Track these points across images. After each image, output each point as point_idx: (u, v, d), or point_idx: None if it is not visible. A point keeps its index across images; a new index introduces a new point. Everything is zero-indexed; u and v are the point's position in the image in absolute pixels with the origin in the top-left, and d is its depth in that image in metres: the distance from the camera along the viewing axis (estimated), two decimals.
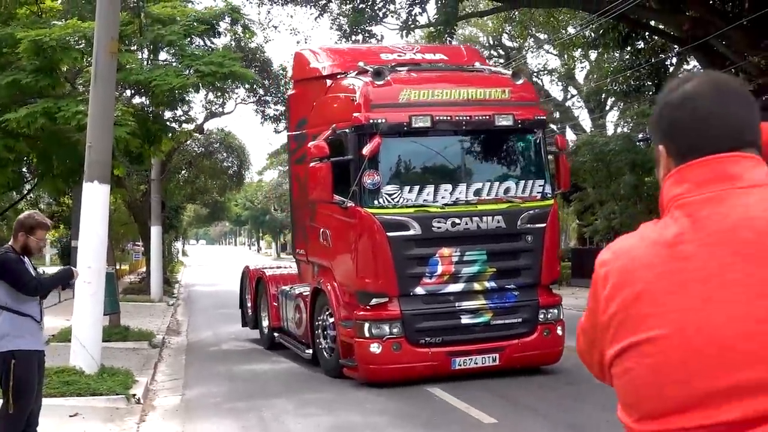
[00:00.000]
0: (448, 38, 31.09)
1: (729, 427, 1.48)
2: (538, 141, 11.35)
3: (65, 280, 6.93)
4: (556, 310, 11.28)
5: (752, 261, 1.54)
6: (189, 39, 14.93)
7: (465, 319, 10.62)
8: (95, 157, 10.70)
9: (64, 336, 12.86)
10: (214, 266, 57.49)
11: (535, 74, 37.96)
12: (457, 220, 10.55)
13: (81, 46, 13.47)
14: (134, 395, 9.89)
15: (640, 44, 26.35)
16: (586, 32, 25.61)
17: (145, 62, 14.98)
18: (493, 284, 10.83)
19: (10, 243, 6.64)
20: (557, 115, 38.52)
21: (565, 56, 36.45)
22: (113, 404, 9.42)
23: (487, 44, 39.47)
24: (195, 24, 14.91)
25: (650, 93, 25.20)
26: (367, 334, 10.11)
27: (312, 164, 10.81)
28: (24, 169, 19.50)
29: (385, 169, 10.59)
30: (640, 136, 25.89)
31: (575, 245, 38.26)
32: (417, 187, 10.63)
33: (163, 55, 15.52)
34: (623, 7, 19.49)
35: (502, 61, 36.80)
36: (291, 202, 14.68)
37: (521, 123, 11.04)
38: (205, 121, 29.34)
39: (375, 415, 9.18)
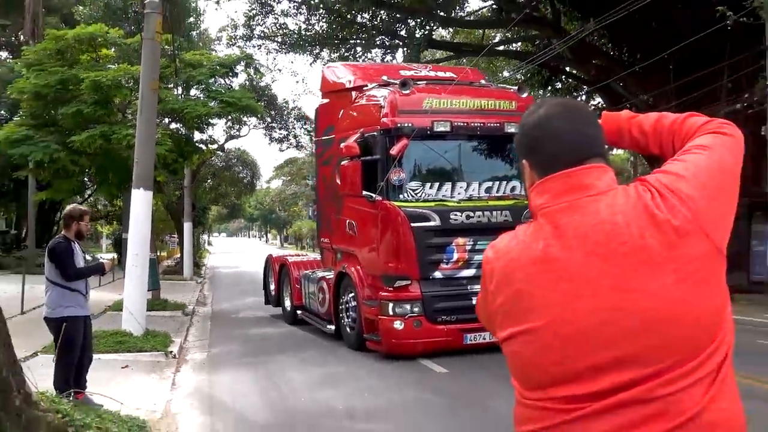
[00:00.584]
0: None
1: (595, 395, 1.44)
2: None
3: (98, 272, 6.83)
4: None
5: (604, 260, 1.46)
6: (213, 79, 14.93)
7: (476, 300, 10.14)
8: (140, 171, 10.67)
9: (117, 307, 12.76)
10: (232, 254, 57.19)
11: None
12: (471, 214, 9.79)
13: (130, 85, 13.43)
14: (171, 352, 9.86)
15: (558, 85, 26.65)
16: (517, 75, 25.78)
17: (180, 96, 14.93)
18: None
19: (63, 233, 6.58)
20: None
21: None
22: (155, 359, 9.40)
23: None
24: (218, 67, 14.91)
25: None
26: (391, 313, 9.29)
27: (343, 163, 10.21)
28: (86, 179, 19.34)
29: (408, 168, 9.75)
30: None
31: None
32: (437, 184, 9.85)
33: (193, 91, 15.46)
34: (545, 57, 19.68)
35: None
36: (317, 198, 13.50)
37: None
38: (226, 142, 29.33)
39: (357, 368, 9.16)
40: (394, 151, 9.32)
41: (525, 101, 10.27)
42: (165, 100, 13.62)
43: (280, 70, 42.56)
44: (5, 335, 4.34)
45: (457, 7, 25.72)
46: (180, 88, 15.23)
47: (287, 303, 13.81)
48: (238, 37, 25.13)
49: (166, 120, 15.71)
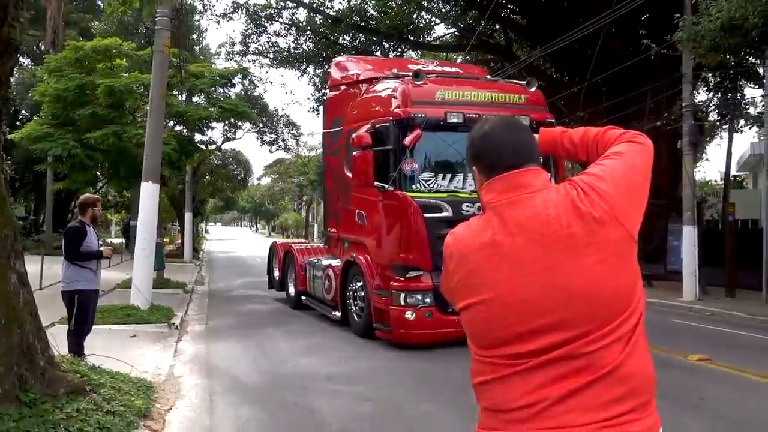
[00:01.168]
0: None
1: (534, 353, 1.52)
2: None
3: (98, 257, 6.44)
4: None
5: (539, 244, 1.54)
6: (214, 87, 14.78)
7: None
8: (149, 166, 10.52)
9: (125, 285, 12.61)
10: (226, 241, 56.64)
11: None
12: None
13: (140, 90, 13.25)
14: (173, 324, 9.76)
15: None
16: None
17: (184, 102, 14.77)
18: None
19: (79, 218, 6.51)
20: None
21: None
22: (160, 330, 9.30)
23: None
24: (218, 78, 14.77)
25: None
26: (402, 303, 8.17)
27: (354, 153, 8.85)
28: (98, 173, 19.03)
29: (420, 159, 8.52)
30: None
31: None
32: (449, 175, 8.60)
33: (195, 98, 15.30)
34: (499, 79, 19.77)
35: None
36: (324, 188, 12.05)
37: (536, 124, 8.58)
38: (223, 143, 28.97)
39: (337, 340, 9.11)
40: (407, 141, 8.26)
41: (533, 95, 9.29)
42: (171, 104, 13.45)
43: (271, 82, 42.53)
44: (33, 306, 4.28)
45: (425, 33, 25.78)
46: (184, 95, 15.03)
47: (291, 288, 12.58)
48: (235, 52, 24.87)
49: (171, 123, 15.53)
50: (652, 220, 14.94)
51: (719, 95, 20.57)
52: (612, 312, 1.51)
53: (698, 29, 10.03)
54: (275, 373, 7.16)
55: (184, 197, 26.36)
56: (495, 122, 1.75)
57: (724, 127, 21.48)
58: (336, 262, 10.35)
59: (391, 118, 8.60)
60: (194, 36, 25.62)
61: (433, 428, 5.32)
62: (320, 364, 7.55)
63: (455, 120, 8.39)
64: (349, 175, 9.51)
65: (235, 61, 24.96)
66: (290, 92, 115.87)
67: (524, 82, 9.41)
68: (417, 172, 8.44)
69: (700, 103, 19.40)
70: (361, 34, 24.31)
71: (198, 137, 16.92)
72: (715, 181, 35.41)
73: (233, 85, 16.57)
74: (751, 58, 15.39)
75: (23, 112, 24.69)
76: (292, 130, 31.10)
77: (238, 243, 50.14)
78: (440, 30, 26.54)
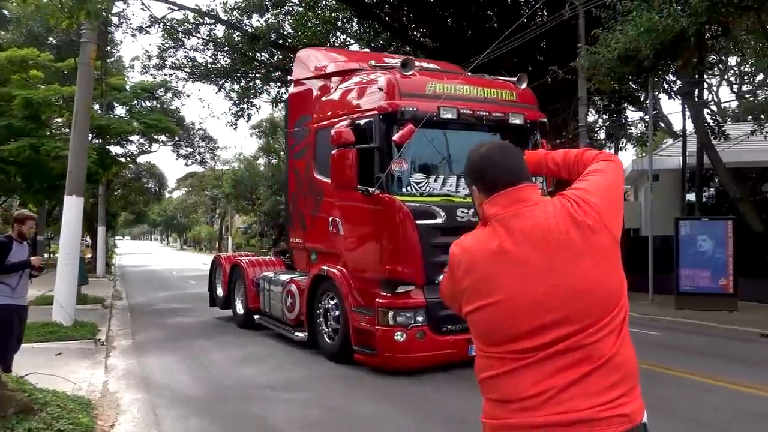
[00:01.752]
0: None
1: (540, 347, 1.65)
2: (537, 141, 8.12)
3: (25, 267, 5.93)
4: None
5: (542, 251, 1.69)
6: (136, 101, 14.20)
7: None
8: (73, 179, 9.90)
9: (40, 301, 11.81)
10: (138, 255, 53.96)
11: None
12: None
13: (60, 103, 12.50)
14: (99, 339, 9.26)
15: None
16: None
17: (104, 115, 14.07)
18: None
19: (9, 232, 6.14)
20: None
21: None
22: (85, 346, 8.77)
23: None
24: (140, 91, 14.21)
25: None
26: (391, 322, 6.85)
27: (333, 152, 7.39)
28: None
29: (410, 159, 7.21)
30: None
31: None
32: (441, 177, 7.41)
33: (117, 111, 14.63)
34: None
35: None
36: (287, 194, 10.17)
37: (529, 123, 7.98)
38: (138, 156, 27.72)
39: (273, 349, 8.93)
40: (397, 138, 6.95)
41: (524, 93, 8.33)
42: (93, 117, 12.76)
43: (188, 96, 40.81)
44: None
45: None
46: (104, 108, 14.32)
47: (239, 306, 10.93)
48: (151, 66, 23.87)
49: (89, 136, 14.73)
50: None
51: (606, 117, 22.13)
52: (606, 308, 1.67)
53: (597, 58, 10.82)
54: (216, 384, 6.96)
55: (96, 211, 24.92)
56: (491, 146, 1.92)
57: (610, 145, 23.05)
58: (300, 277, 8.97)
59: (376, 112, 7.32)
60: (108, 48, 24.37)
61: (384, 428, 5.37)
62: (260, 373, 7.42)
63: (449, 116, 7.32)
64: (320, 177, 8.34)
65: (151, 74, 24.03)
66: (208, 106, 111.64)
67: (515, 79, 8.36)
68: (407, 174, 7.18)
69: (592, 124, 20.77)
70: (278, 52, 24.11)
71: (117, 150, 16.19)
72: None
73: (156, 99, 15.95)
74: (633, 85, 16.71)
75: None
76: (209, 143, 30.24)
77: (150, 257, 47.92)
78: (355, 49, 26.76)
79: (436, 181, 7.41)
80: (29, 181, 13.53)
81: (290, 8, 23.48)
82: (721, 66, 22.31)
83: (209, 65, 24.32)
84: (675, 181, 18.27)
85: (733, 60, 23.39)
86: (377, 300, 7.08)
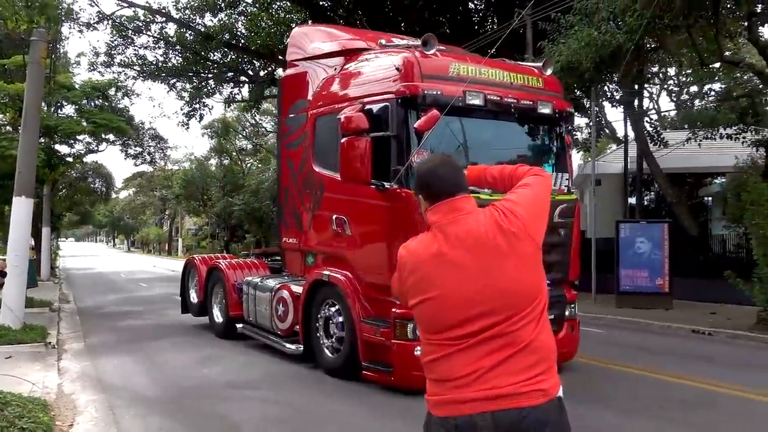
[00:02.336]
0: (255, 111, 30.93)
1: (472, 334, 1.95)
2: (563, 133, 7.55)
3: None
4: (575, 307, 7.51)
5: (474, 254, 1.99)
6: (86, 100, 13.98)
7: None
8: (23, 180, 9.75)
9: None
10: (83, 257, 52.31)
11: None
12: None
13: (6, 101, 12.22)
14: (50, 342, 9.11)
15: None
16: None
17: (53, 114, 13.80)
18: None
19: None
20: None
21: None
22: (36, 349, 8.63)
23: (278, 114, 39.15)
24: (90, 90, 14.00)
25: None
26: (410, 336, 6.06)
27: (343, 140, 6.49)
28: None
29: (436, 148, 6.25)
30: None
31: None
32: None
33: (66, 110, 14.37)
34: None
35: None
36: (278, 189, 9.16)
37: (558, 113, 7.25)
38: (85, 155, 26.95)
39: (228, 350, 8.99)
40: (419, 125, 6.13)
41: (550, 80, 7.58)
42: (41, 117, 12.54)
43: (138, 95, 39.91)
44: None
45: None
46: (53, 107, 14.05)
47: (218, 314, 10.03)
48: (99, 63, 23.36)
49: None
50: None
51: None
52: (527, 301, 1.98)
53: None
54: (174, 384, 7.04)
55: (40, 211, 24.18)
56: (437, 160, 2.24)
57: None
58: (294, 283, 8.14)
59: (392, 95, 6.47)
60: (56, 45, 23.71)
61: (343, 423, 5.59)
62: (217, 373, 7.52)
63: (476, 102, 6.53)
64: (320, 170, 7.54)
65: (99, 72, 23.52)
66: (158, 105, 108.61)
67: (540, 64, 7.68)
68: None
69: None
70: (232, 52, 24.02)
71: (64, 149, 15.86)
72: None
73: (107, 98, 15.70)
74: (578, 92, 17.45)
75: None
76: (159, 143, 29.77)
77: (96, 259, 46.63)
78: None
79: None
80: None
81: (244, 8, 23.43)
82: (661, 76, 23.48)
83: (160, 64, 24.03)
84: (618, 185, 19.13)
85: (672, 70, 24.63)
86: (393, 310, 6.20)
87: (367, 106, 6.61)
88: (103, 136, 20.55)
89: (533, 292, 2.01)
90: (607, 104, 21.24)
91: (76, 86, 13.75)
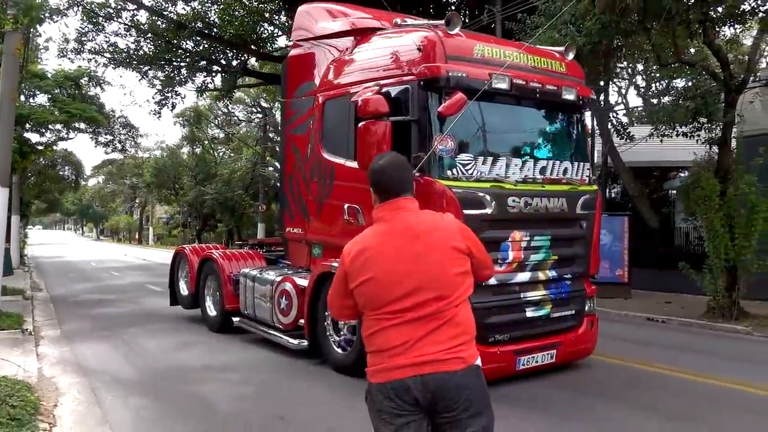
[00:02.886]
0: (227, 100, 30.87)
1: (406, 309, 2.27)
2: (584, 121, 7.33)
3: None
4: (594, 302, 7.19)
5: (409, 242, 2.34)
6: (59, 90, 14.03)
7: (529, 312, 6.35)
8: None
9: None
10: (51, 245, 51.61)
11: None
12: (530, 200, 6.27)
13: None
14: (27, 329, 9.32)
15: None
16: None
17: (26, 103, 13.82)
18: (553, 273, 6.55)
19: None
20: None
21: None
22: (13, 336, 8.84)
23: (250, 103, 39.37)
24: (63, 79, 14.06)
25: None
26: None
27: (361, 124, 6.02)
28: None
29: (457, 135, 6.00)
30: None
31: None
32: (490, 159, 6.24)
33: (39, 99, 14.39)
34: None
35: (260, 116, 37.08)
36: (282, 176, 8.76)
37: (582, 99, 6.95)
38: (55, 143, 26.70)
39: (203, 336, 9.28)
40: (443, 109, 5.82)
41: (572, 65, 7.26)
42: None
43: (109, 83, 39.32)
44: None
45: (269, 43, 26.08)
46: (24, 95, 14.08)
47: (211, 307, 9.70)
48: (68, 50, 23.14)
49: None
50: None
51: None
52: (452, 286, 2.32)
53: None
54: (152, 368, 7.37)
55: (9, 199, 24.04)
56: (389, 160, 2.52)
57: None
58: (298, 275, 7.84)
59: (413, 77, 6.12)
60: (29, 35, 23.41)
61: (313, 402, 6.00)
62: (194, 357, 7.86)
63: (502, 86, 6.17)
64: (329, 157, 7.20)
65: (69, 59, 23.31)
66: (130, 93, 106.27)
67: (562, 49, 7.32)
68: (452, 154, 6.02)
69: None
70: (204, 41, 24.00)
71: (35, 138, 15.87)
72: None
73: (79, 87, 15.72)
74: None
75: None
76: (130, 131, 29.60)
77: (65, 247, 46.09)
78: (282, 41, 26.96)
79: (483, 163, 6.22)
80: None
81: None
82: (629, 71, 24.19)
83: (132, 52, 23.87)
84: None
85: (640, 66, 25.41)
86: None
87: (385, 89, 6.25)
88: (75, 125, 20.60)
89: (457, 279, 2.33)
90: None
91: (49, 75, 13.75)
